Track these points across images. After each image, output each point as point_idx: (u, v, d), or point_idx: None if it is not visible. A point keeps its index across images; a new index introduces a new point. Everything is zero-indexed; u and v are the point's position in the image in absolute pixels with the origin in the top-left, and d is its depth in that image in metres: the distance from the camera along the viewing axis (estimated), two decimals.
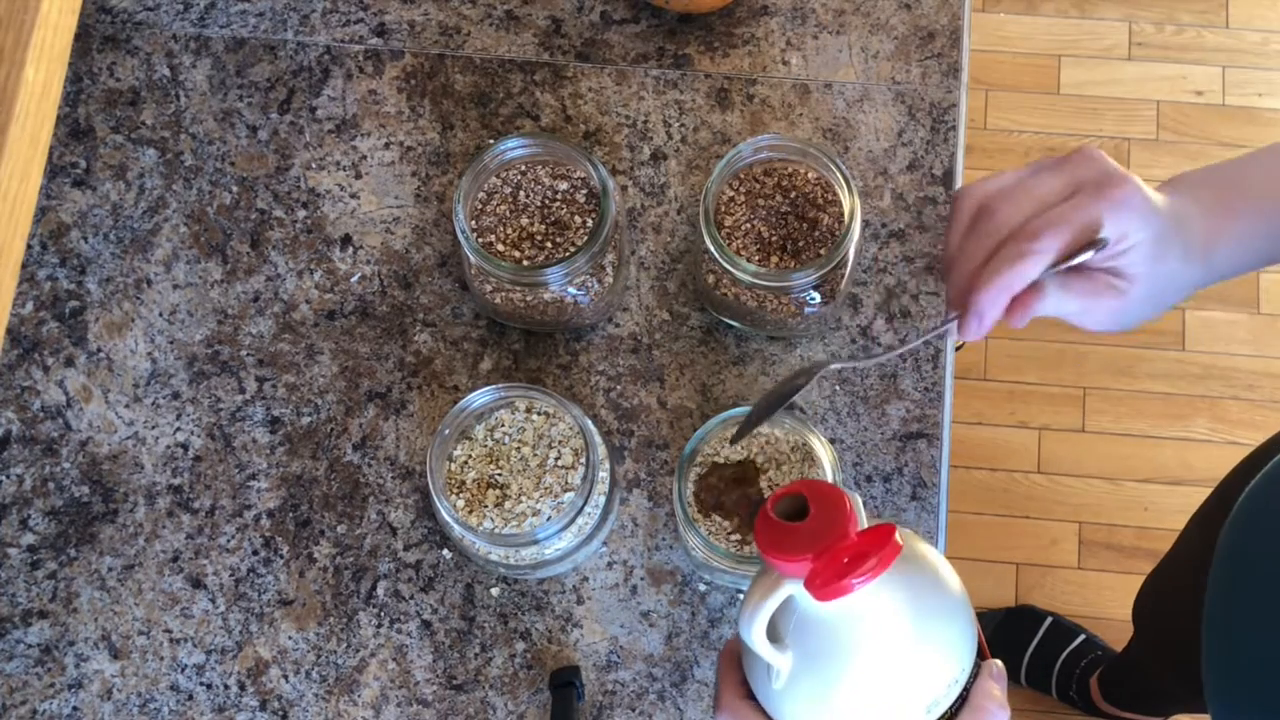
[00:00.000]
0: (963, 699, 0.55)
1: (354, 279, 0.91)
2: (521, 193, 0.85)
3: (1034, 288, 0.61)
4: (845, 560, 0.52)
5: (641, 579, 0.84)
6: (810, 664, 0.55)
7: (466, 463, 0.80)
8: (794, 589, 0.53)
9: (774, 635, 0.55)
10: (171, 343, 0.89)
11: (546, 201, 0.85)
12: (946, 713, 0.54)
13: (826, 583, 0.51)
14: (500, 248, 0.84)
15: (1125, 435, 1.83)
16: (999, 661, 0.57)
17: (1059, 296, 0.62)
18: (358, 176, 0.93)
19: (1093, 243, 0.60)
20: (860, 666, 0.54)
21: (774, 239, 0.84)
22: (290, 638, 0.84)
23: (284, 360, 0.89)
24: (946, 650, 0.54)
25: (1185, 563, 1.12)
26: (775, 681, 0.55)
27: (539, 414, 0.81)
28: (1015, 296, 0.61)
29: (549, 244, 0.84)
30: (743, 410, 0.79)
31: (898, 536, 0.52)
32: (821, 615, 0.54)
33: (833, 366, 0.68)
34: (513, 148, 0.84)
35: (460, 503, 0.79)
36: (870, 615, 0.54)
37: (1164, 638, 1.24)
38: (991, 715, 0.54)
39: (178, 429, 0.88)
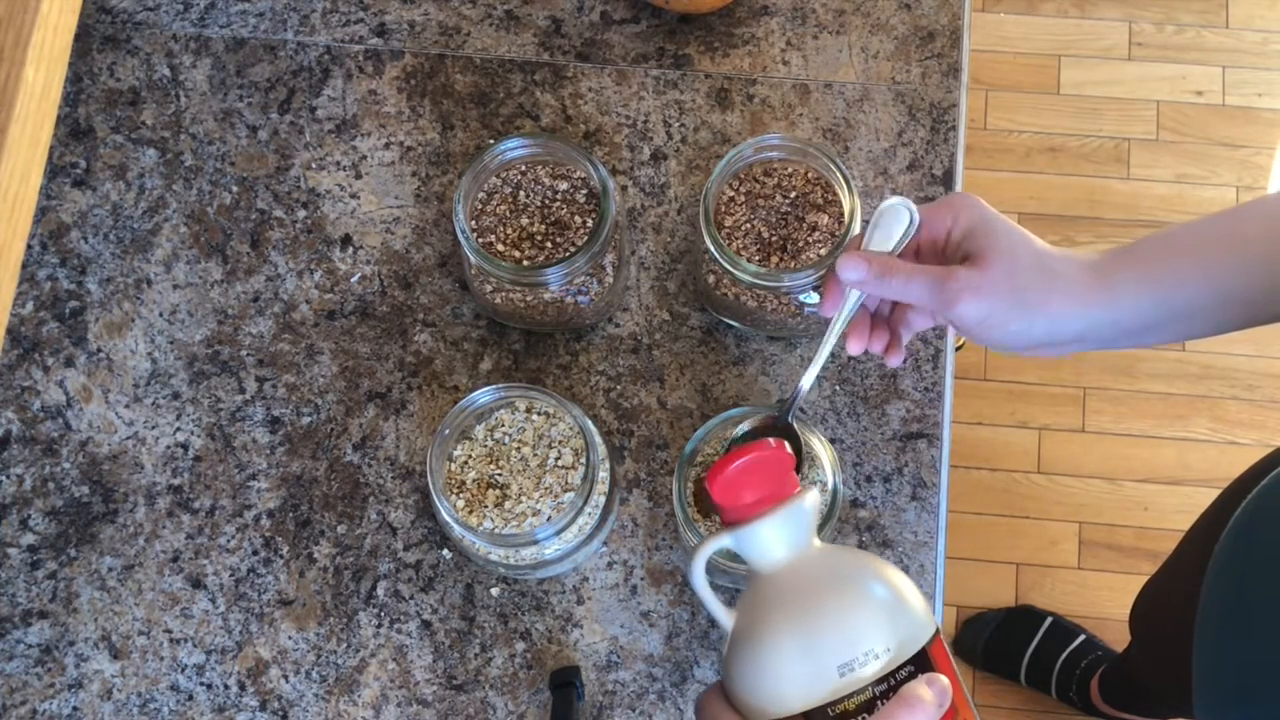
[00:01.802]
0: (894, 687, 0.59)
1: (354, 279, 0.91)
2: (521, 193, 0.85)
3: (888, 261, 0.69)
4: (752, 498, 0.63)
5: (641, 579, 0.84)
6: (748, 621, 0.62)
7: (466, 463, 0.80)
8: (730, 540, 0.63)
9: (729, 604, 0.64)
10: (171, 343, 0.89)
11: (546, 201, 0.85)
12: (868, 689, 0.58)
13: (728, 499, 0.63)
14: (500, 248, 0.84)
15: (1125, 435, 1.83)
16: (946, 678, 0.59)
17: (908, 272, 0.69)
18: (358, 176, 0.93)
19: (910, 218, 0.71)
20: (783, 620, 0.60)
21: (774, 239, 0.84)
22: (290, 638, 0.84)
23: (284, 360, 0.89)
24: (867, 624, 0.59)
25: (1182, 574, 1.13)
26: (724, 645, 0.63)
27: (539, 414, 0.81)
28: (878, 267, 0.69)
29: (549, 244, 0.84)
30: (743, 410, 0.79)
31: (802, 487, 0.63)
32: (766, 580, 0.62)
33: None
34: (513, 148, 0.84)
35: (460, 503, 0.79)
36: (800, 579, 0.62)
37: (1162, 646, 1.24)
38: (912, 709, 0.57)
39: (178, 429, 0.88)
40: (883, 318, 0.75)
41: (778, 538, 0.63)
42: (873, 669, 0.58)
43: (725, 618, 0.64)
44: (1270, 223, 0.67)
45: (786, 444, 0.65)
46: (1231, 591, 0.80)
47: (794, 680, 0.59)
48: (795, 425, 0.76)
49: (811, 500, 0.65)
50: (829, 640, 0.59)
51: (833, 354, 0.76)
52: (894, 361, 0.75)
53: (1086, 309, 0.67)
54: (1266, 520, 0.79)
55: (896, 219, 0.71)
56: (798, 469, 0.76)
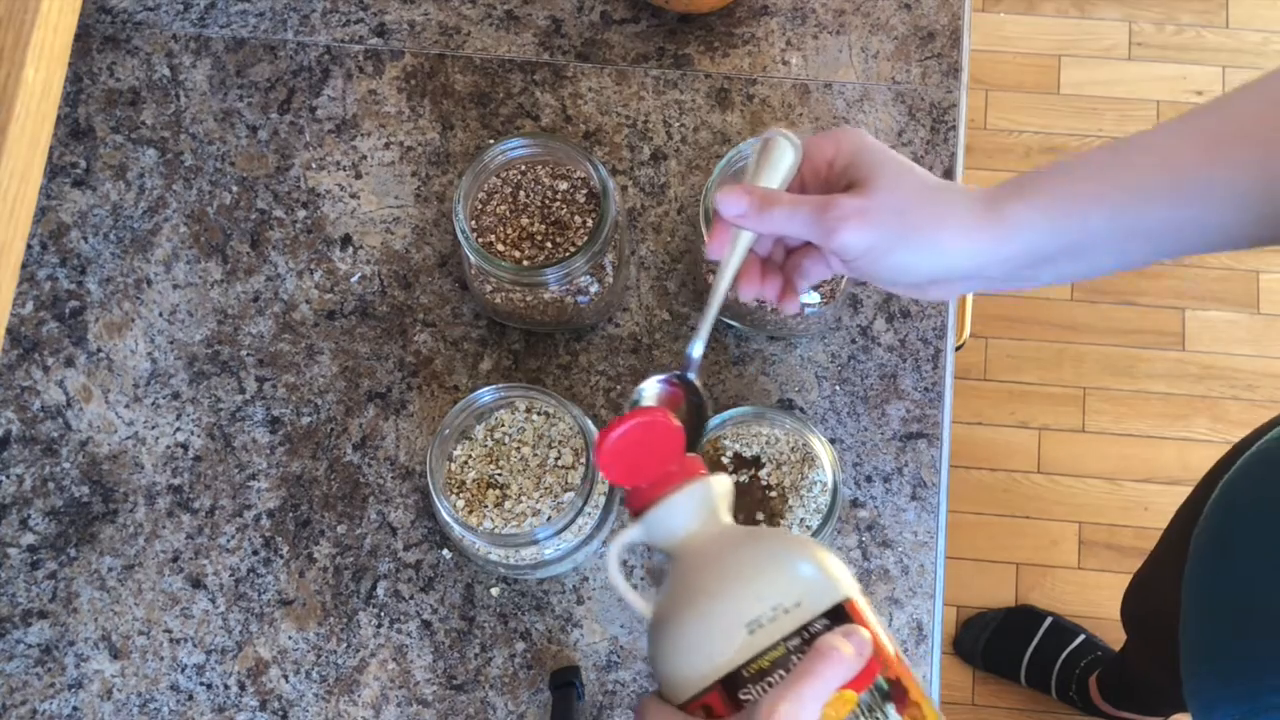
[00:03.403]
0: (809, 640, 0.58)
1: (354, 279, 0.91)
2: (521, 193, 0.85)
3: (770, 194, 0.67)
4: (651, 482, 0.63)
5: (641, 579, 0.84)
6: (661, 605, 0.61)
7: (466, 463, 0.80)
8: (639, 530, 0.63)
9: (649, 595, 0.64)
10: (171, 343, 0.89)
11: (546, 201, 0.85)
12: (781, 644, 0.57)
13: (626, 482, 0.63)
14: (500, 248, 0.84)
15: (1125, 435, 1.83)
16: (866, 631, 0.59)
17: (790, 203, 0.66)
18: (358, 176, 0.93)
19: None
20: (689, 590, 0.60)
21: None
22: (290, 638, 0.84)
23: (284, 360, 0.89)
24: (773, 580, 0.59)
25: (1168, 561, 1.13)
26: (647, 634, 0.62)
27: (539, 414, 0.81)
28: (757, 199, 0.67)
29: (549, 244, 0.84)
30: (744, 410, 0.79)
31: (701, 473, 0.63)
32: (677, 563, 0.62)
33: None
34: (513, 148, 0.84)
35: (460, 503, 0.79)
36: (707, 551, 0.61)
37: (1154, 637, 1.24)
38: (828, 659, 0.56)
39: (178, 429, 0.88)
40: (776, 264, 0.73)
41: (683, 517, 0.62)
42: (783, 624, 0.57)
43: (644, 608, 0.63)
44: (1166, 155, 0.64)
45: (671, 414, 0.63)
46: (1216, 558, 0.80)
47: (706, 646, 0.58)
48: (695, 381, 0.73)
49: (720, 484, 0.64)
50: (734, 599, 0.58)
51: (730, 302, 0.73)
52: (789, 308, 0.72)
53: (977, 242, 0.65)
54: (1249, 488, 0.79)
55: (778, 152, 0.69)
56: (698, 430, 0.73)
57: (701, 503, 0.63)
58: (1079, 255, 0.66)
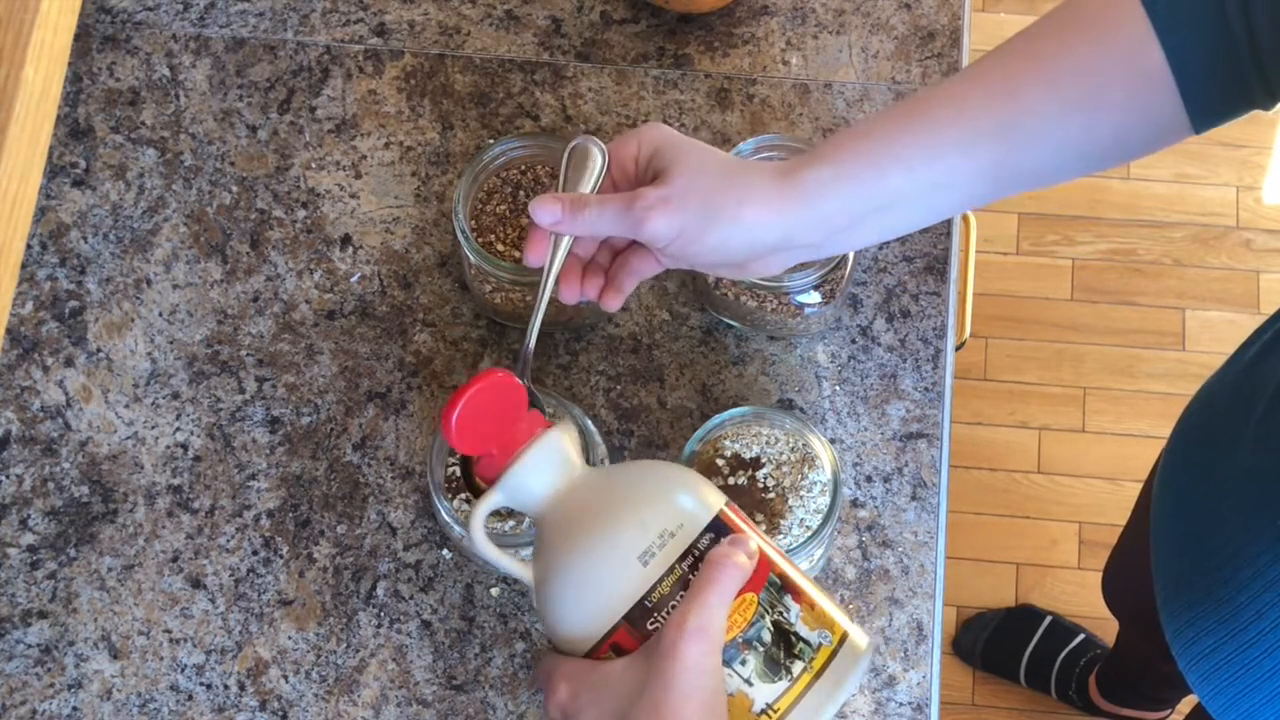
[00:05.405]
0: (700, 557, 0.60)
1: (354, 279, 0.91)
2: (521, 193, 0.85)
3: (580, 198, 0.69)
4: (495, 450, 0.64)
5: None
6: (542, 563, 0.62)
7: None
8: (499, 497, 0.64)
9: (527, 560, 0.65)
10: (171, 343, 0.89)
11: None
12: (675, 567, 0.59)
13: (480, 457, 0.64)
14: (500, 248, 0.84)
15: (1125, 435, 1.83)
16: (750, 536, 0.61)
17: (599, 203, 0.68)
18: (358, 176, 0.93)
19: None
20: (572, 536, 0.61)
21: None
22: (290, 638, 0.84)
23: (284, 360, 0.89)
24: (651, 510, 0.60)
25: (1136, 528, 1.14)
26: (534, 599, 0.64)
27: None
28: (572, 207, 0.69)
29: None
30: (744, 410, 0.79)
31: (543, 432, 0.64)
32: (547, 520, 0.63)
33: None
34: (513, 148, 0.84)
35: (460, 503, 0.79)
36: (576, 501, 0.63)
37: (1138, 609, 1.24)
38: (721, 568, 0.58)
39: (177, 429, 0.88)
40: (601, 265, 0.75)
41: (542, 472, 0.64)
42: (671, 549, 0.59)
43: (523, 571, 0.64)
44: (961, 106, 0.66)
45: (510, 373, 0.65)
46: (1176, 485, 0.82)
47: (604, 587, 0.59)
48: (532, 386, 0.73)
49: (568, 431, 0.65)
50: (621, 535, 0.60)
51: (556, 304, 0.75)
52: (610, 305, 0.74)
53: (780, 214, 0.66)
54: (1198, 420, 0.81)
55: (586, 158, 0.71)
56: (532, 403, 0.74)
57: (556, 454, 0.64)
58: (886, 211, 0.67)
